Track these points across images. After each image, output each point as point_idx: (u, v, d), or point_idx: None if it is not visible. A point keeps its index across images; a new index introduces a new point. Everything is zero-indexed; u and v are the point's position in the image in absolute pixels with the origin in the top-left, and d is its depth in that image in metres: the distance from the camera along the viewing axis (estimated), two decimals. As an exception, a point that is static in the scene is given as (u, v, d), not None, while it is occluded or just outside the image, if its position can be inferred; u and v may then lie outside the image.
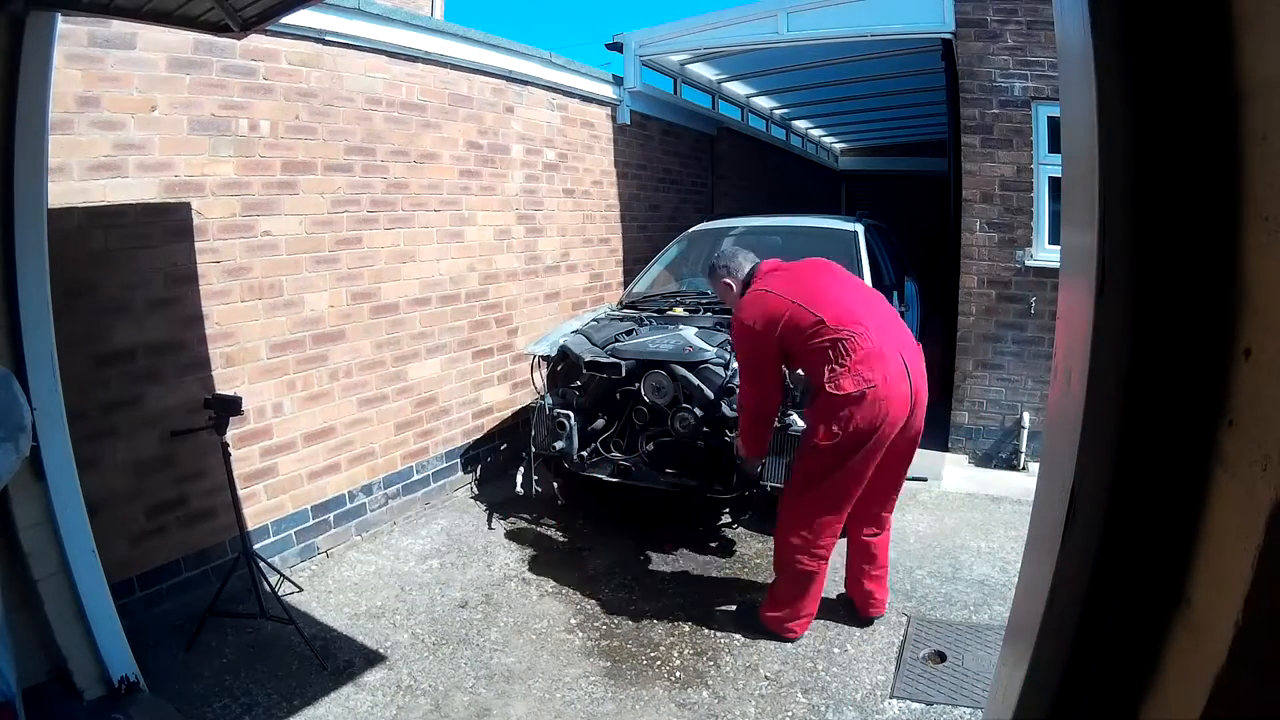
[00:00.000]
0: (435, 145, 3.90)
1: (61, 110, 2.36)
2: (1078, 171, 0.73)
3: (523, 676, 2.58)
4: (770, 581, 2.84)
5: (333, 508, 3.50)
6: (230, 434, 2.73)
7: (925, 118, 8.07)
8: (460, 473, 4.27)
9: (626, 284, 5.30)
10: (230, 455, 2.72)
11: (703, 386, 3.24)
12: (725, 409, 3.20)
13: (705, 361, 3.28)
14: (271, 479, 3.21)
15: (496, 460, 4.50)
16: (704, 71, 6.37)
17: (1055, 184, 4.26)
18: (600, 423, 3.54)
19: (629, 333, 3.69)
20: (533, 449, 3.73)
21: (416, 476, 3.97)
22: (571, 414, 3.48)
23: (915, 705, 2.37)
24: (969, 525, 3.69)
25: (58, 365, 2.15)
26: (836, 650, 2.68)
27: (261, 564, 2.80)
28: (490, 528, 3.78)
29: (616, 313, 4.26)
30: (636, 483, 3.43)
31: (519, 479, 4.06)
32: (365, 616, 2.94)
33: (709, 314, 3.92)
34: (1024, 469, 4.46)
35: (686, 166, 6.66)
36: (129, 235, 2.64)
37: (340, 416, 3.50)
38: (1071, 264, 0.78)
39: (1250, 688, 0.55)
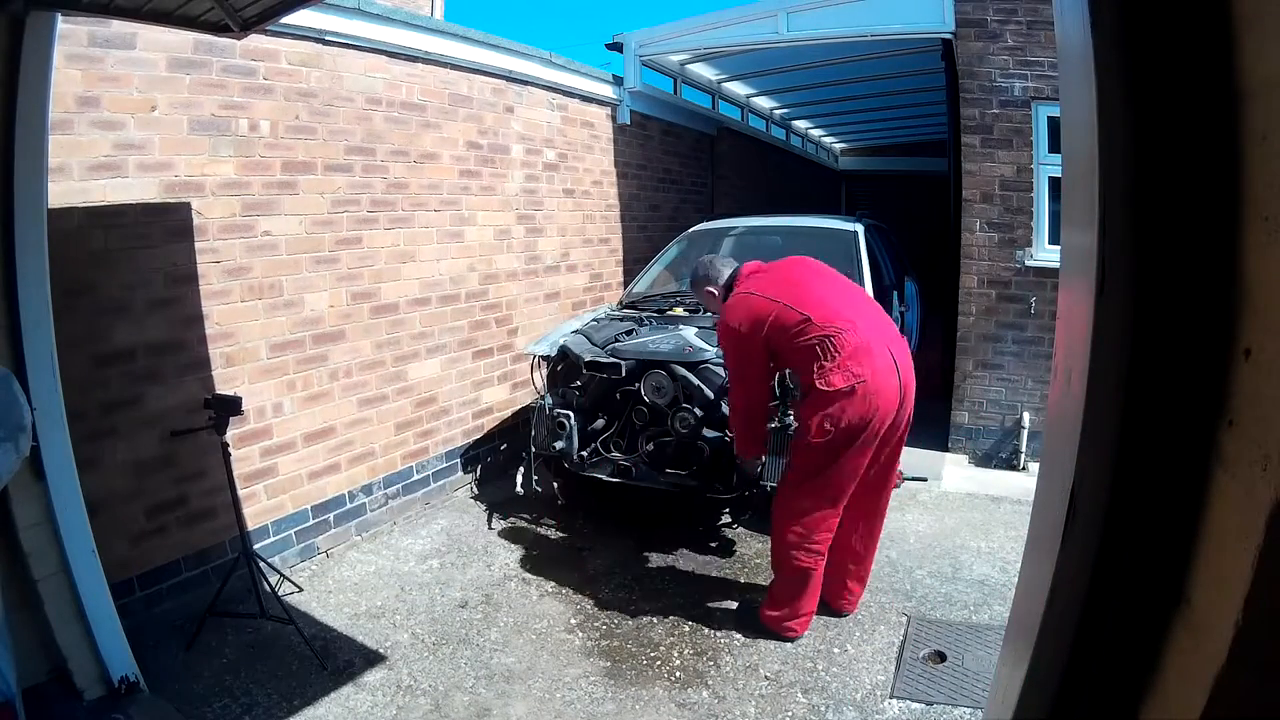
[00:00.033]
0: (435, 145, 3.90)
1: (61, 110, 2.36)
2: (1078, 171, 0.73)
3: (523, 676, 2.58)
4: (769, 581, 2.85)
5: (333, 508, 3.50)
6: (230, 434, 2.74)
7: (925, 118, 8.08)
8: (460, 473, 4.27)
9: (626, 284, 5.30)
10: (230, 455, 2.72)
11: (703, 386, 3.24)
12: (725, 409, 3.20)
13: (705, 361, 3.28)
14: (271, 479, 3.21)
15: (496, 460, 4.50)
16: (704, 71, 6.37)
17: (1055, 184, 4.26)
18: (600, 423, 3.54)
19: (629, 333, 3.69)
20: (533, 449, 3.73)
21: (416, 476, 3.97)
22: (571, 414, 3.48)
23: (915, 705, 2.37)
24: (969, 525, 3.69)
25: (58, 365, 2.15)
26: (836, 650, 2.68)
27: (261, 564, 2.80)
28: (490, 528, 3.78)
29: (616, 313, 4.26)
30: (636, 483, 3.42)
31: (519, 479, 4.06)
32: (365, 616, 2.94)
33: (709, 314, 3.92)
34: (1024, 469, 4.46)
35: (686, 166, 6.66)
36: (129, 235, 2.64)
37: (340, 416, 3.50)
38: (1071, 264, 0.78)
39: (1250, 688, 0.55)
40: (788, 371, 2.82)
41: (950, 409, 4.66)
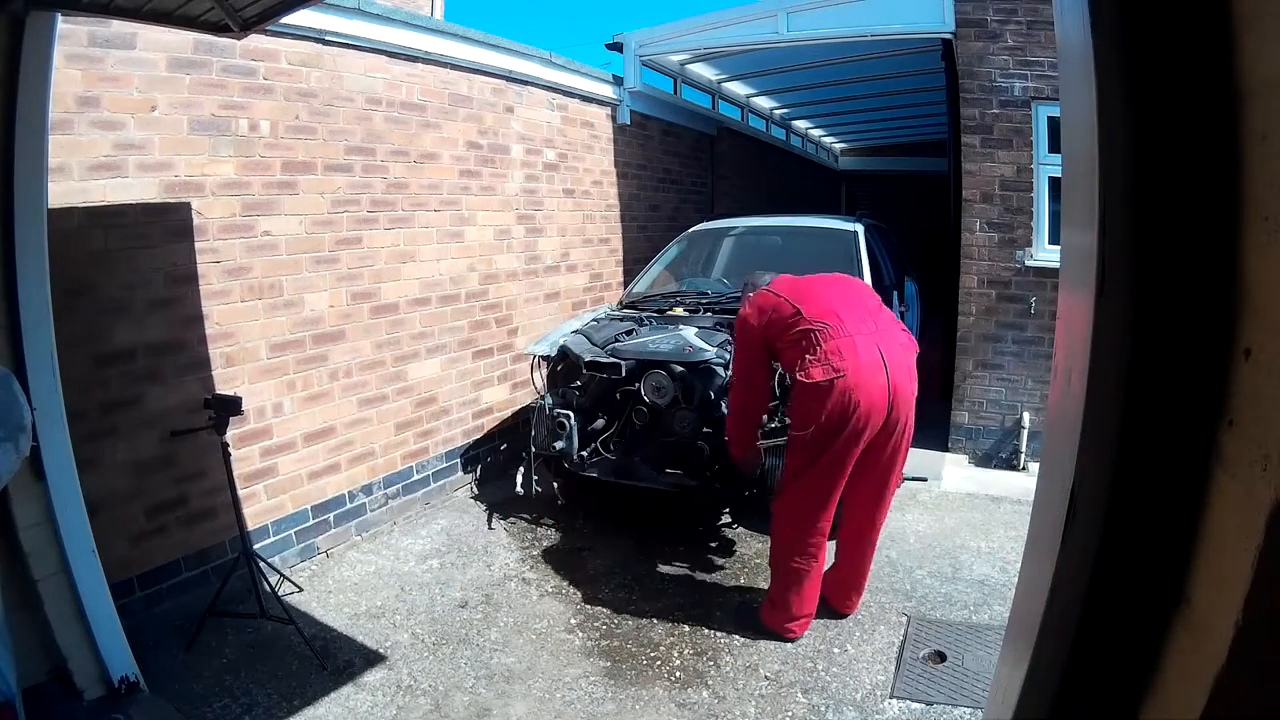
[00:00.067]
0: (435, 145, 3.90)
1: (61, 110, 2.36)
2: (1078, 171, 0.73)
3: (523, 676, 2.58)
4: (769, 582, 2.85)
5: (333, 508, 3.50)
6: (230, 434, 2.74)
7: (925, 118, 8.07)
8: (460, 473, 4.27)
9: (626, 284, 5.30)
10: (230, 455, 2.72)
11: (703, 386, 3.24)
12: (725, 409, 3.20)
13: (705, 361, 3.28)
14: (271, 479, 3.21)
15: (496, 460, 4.50)
16: (704, 71, 6.37)
17: (1055, 184, 4.26)
18: (600, 423, 3.54)
19: (629, 333, 3.69)
20: (533, 449, 3.73)
21: (416, 476, 3.97)
22: (571, 414, 3.48)
23: (915, 705, 2.37)
24: (969, 525, 3.69)
25: (58, 365, 2.15)
26: (836, 650, 2.68)
27: (261, 564, 2.80)
28: (490, 528, 3.78)
29: (616, 313, 4.26)
30: (636, 483, 3.43)
31: (519, 479, 4.06)
32: (365, 616, 2.94)
33: (709, 314, 3.93)
34: (1024, 469, 4.46)
35: (686, 166, 6.66)
36: (129, 235, 2.64)
37: (340, 416, 3.50)
38: (1071, 264, 0.78)
39: (1250, 688, 0.55)
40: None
41: (950, 409, 4.66)
